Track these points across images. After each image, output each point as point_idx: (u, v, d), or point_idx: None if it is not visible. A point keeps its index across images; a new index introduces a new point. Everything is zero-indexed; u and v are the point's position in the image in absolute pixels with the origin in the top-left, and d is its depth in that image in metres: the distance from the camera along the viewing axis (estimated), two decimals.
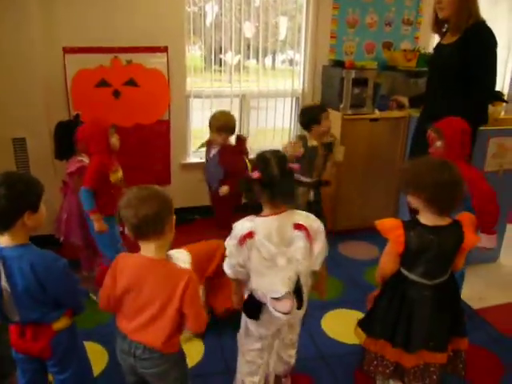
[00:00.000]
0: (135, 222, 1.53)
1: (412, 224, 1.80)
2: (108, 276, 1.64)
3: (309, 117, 3.08)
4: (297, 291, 1.71)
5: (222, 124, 3.22)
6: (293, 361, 2.11)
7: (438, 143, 2.44)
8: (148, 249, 1.60)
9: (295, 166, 1.73)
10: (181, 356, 1.76)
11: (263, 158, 1.73)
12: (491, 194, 2.32)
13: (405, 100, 3.32)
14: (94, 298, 2.83)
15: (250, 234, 1.70)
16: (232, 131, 3.28)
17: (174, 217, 1.64)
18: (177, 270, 1.60)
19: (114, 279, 1.62)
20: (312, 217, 1.81)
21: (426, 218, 1.78)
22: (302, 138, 3.08)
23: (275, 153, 1.76)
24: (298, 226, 1.74)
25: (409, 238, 1.75)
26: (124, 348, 1.67)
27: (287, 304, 1.64)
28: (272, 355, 1.98)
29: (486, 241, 2.31)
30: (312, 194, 3.07)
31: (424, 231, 1.76)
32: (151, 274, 1.58)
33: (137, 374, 1.72)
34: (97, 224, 2.59)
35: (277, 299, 1.64)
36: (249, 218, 1.77)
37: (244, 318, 1.95)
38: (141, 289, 1.58)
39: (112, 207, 2.57)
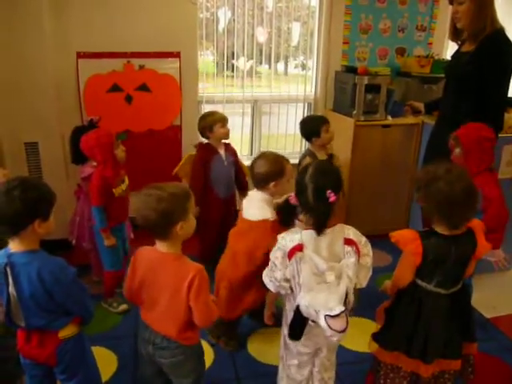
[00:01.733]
0: (140, 225, 1.61)
1: (428, 234, 1.76)
2: (129, 268, 1.73)
3: (309, 129, 3.06)
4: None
5: (224, 116, 3.08)
6: (331, 383, 2.01)
7: (457, 150, 2.43)
8: (160, 244, 1.67)
9: (333, 196, 1.63)
10: (199, 350, 1.81)
11: (301, 183, 1.68)
12: (505, 220, 2.31)
13: (420, 106, 3.29)
14: (105, 305, 2.84)
15: (300, 247, 1.64)
16: None
17: (189, 217, 1.65)
18: (186, 265, 1.64)
19: (134, 271, 1.71)
20: (357, 231, 1.75)
21: (442, 227, 1.75)
22: (311, 155, 3.04)
23: (316, 178, 1.67)
24: (348, 241, 1.68)
25: (426, 249, 1.72)
26: (145, 336, 1.74)
27: (342, 322, 1.58)
28: (314, 376, 1.93)
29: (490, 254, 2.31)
30: None
31: (441, 241, 1.73)
32: (162, 267, 1.66)
33: (155, 364, 1.77)
34: (107, 241, 2.63)
35: (333, 317, 1.58)
36: (294, 229, 1.71)
37: (283, 331, 1.91)
38: (153, 281, 1.66)
39: (114, 219, 2.64)
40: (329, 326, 1.57)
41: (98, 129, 2.68)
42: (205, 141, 3.16)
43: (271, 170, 2.19)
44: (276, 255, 1.70)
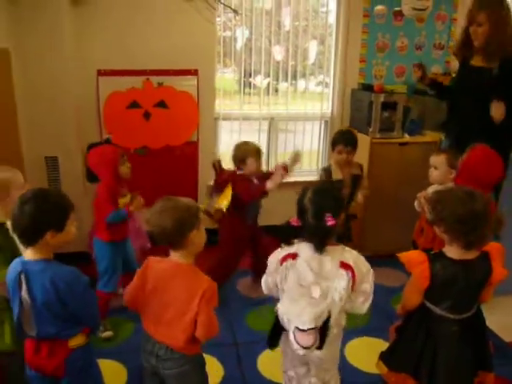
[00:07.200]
0: (153, 233, 1.65)
1: (437, 257, 1.73)
2: (137, 277, 1.74)
3: (332, 139, 3.12)
4: (323, 331, 1.65)
5: (257, 149, 3.00)
6: None
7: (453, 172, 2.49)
8: (174, 255, 1.70)
9: (331, 220, 1.64)
10: (201, 361, 1.82)
11: (301, 206, 1.71)
12: None
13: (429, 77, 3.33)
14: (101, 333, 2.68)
15: (294, 255, 1.69)
16: None
17: (201, 227, 1.71)
18: (200, 277, 1.67)
19: (144, 280, 1.72)
20: (362, 258, 1.74)
21: (453, 252, 1.72)
22: (325, 171, 3.07)
23: (314, 201, 1.69)
24: (344, 266, 1.68)
25: (434, 273, 1.69)
26: (147, 348, 1.73)
27: (309, 339, 1.59)
28: None
29: None
30: None
31: (450, 265, 1.70)
32: (175, 277, 1.68)
33: (158, 376, 1.77)
34: (134, 206, 2.58)
35: (301, 330, 1.59)
36: (296, 240, 1.76)
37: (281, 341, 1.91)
38: (165, 291, 1.68)
39: (119, 233, 2.64)
40: (295, 337, 1.60)
41: (104, 145, 2.69)
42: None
43: None
44: (272, 259, 1.77)
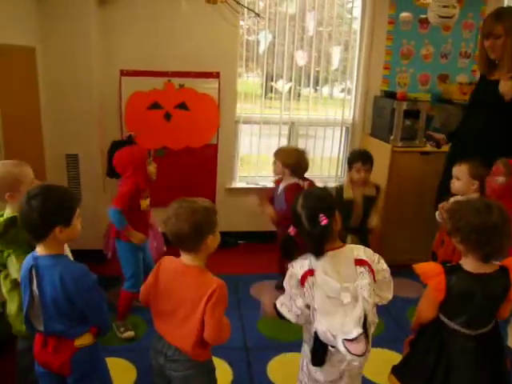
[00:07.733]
0: (169, 237, 1.65)
1: (454, 270, 1.68)
2: (152, 274, 1.74)
3: (348, 158, 3.09)
4: (365, 333, 1.60)
5: (274, 153, 3.06)
6: None
7: (501, 178, 2.32)
8: (186, 256, 1.69)
9: (324, 219, 1.60)
10: (210, 366, 1.79)
11: (295, 214, 1.68)
12: None
13: (441, 137, 3.19)
14: (113, 325, 2.67)
15: (311, 272, 1.64)
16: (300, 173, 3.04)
17: (217, 231, 1.69)
18: (208, 279, 1.65)
19: (157, 278, 1.72)
20: (369, 250, 1.72)
21: (470, 264, 1.67)
22: (337, 190, 3.04)
23: (306, 205, 1.66)
24: (360, 262, 1.65)
25: (450, 285, 1.64)
26: (157, 347, 1.73)
27: (361, 345, 1.54)
28: None
29: None
30: (349, 238, 2.89)
31: (467, 279, 1.65)
32: (184, 278, 1.67)
33: (165, 376, 1.76)
34: (134, 238, 2.58)
35: (351, 341, 1.54)
36: (304, 256, 1.70)
37: (303, 357, 1.86)
38: (175, 292, 1.67)
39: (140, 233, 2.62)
40: (348, 350, 1.54)
41: (131, 145, 2.73)
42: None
43: None
44: (290, 284, 1.69)
